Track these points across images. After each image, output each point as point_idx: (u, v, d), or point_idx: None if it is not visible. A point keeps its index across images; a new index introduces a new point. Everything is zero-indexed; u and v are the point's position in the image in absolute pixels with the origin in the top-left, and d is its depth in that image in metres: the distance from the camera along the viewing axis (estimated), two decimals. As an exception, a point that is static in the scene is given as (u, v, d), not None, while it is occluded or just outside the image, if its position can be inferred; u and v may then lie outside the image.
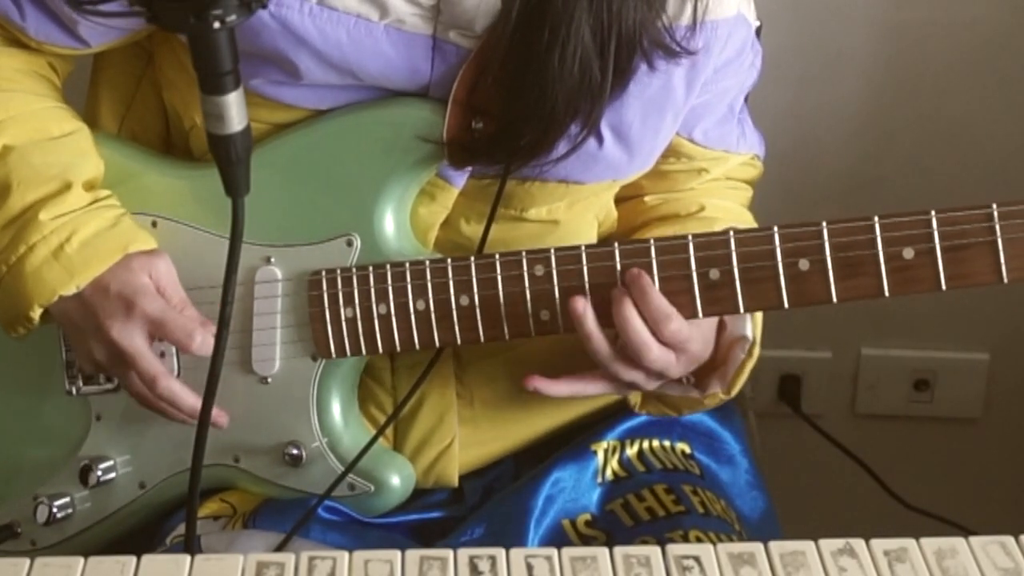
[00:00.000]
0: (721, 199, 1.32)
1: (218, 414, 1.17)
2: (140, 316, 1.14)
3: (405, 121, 1.15)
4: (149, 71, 1.26)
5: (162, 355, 1.18)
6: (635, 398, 1.24)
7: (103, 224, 1.16)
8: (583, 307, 1.11)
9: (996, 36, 1.77)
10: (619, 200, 1.31)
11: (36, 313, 1.15)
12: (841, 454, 1.91)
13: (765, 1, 1.24)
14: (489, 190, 1.16)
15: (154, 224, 1.21)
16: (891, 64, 1.79)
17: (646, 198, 1.30)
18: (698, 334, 1.14)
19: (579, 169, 1.17)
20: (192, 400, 1.15)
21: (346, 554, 0.90)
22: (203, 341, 1.14)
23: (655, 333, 1.11)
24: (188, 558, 0.90)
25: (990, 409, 1.98)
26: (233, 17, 0.87)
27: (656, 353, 1.11)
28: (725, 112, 1.28)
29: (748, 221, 1.33)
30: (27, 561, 0.89)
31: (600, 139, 1.16)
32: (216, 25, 0.87)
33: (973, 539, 0.91)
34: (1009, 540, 0.91)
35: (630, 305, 1.10)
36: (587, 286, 1.12)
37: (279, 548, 1.14)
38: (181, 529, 1.18)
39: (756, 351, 1.20)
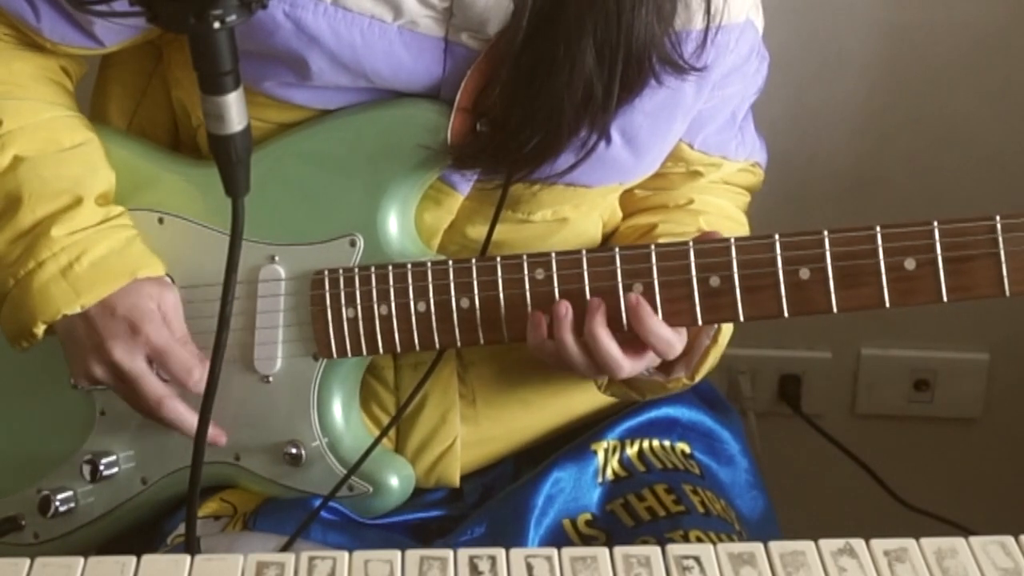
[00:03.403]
0: (714, 196, 1.32)
1: (217, 433, 1.18)
2: (144, 342, 1.16)
3: (410, 122, 1.15)
4: (160, 68, 1.27)
5: None
6: (600, 380, 1.25)
7: (114, 246, 1.17)
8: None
9: (996, 36, 1.77)
10: None
11: (40, 330, 1.16)
12: (841, 454, 1.91)
13: (765, 2, 1.24)
14: (495, 195, 1.16)
15: (160, 221, 1.21)
16: (891, 64, 1.79)
17: (637, 191, 1.30)
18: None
19: (586, 172, 1.17)
20: (195, 423, 1.15)
21: (346, 554, 0.90)
22: (201, 378, 1.15)
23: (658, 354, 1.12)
24: (188, 558, 0.90)
25: (990, 409, 1.98)
26: (233, 17, 0.87)
27: (628, 369, 1.12)
28: (727, 119, 1.28)
29: (740, 221, 1.33)
30: (27, 561, 0.89)
31: (608, 142, 1.16)
32: (216, 25, 0.87)
33: (973, 539, 0.91)
34: (1009, 540, 0.91)
35: (603, 325, 1.10)
36: (587, 290, 1.12)
37: (282, 551, 1.14)
38: (182, 529, 1.18)
39: (721, 338, 1.19)
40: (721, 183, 1.32)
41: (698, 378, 1.21)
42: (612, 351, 1.11)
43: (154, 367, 1.17)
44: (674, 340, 1.12)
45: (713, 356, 1.20)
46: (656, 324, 1.10)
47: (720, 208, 1.31)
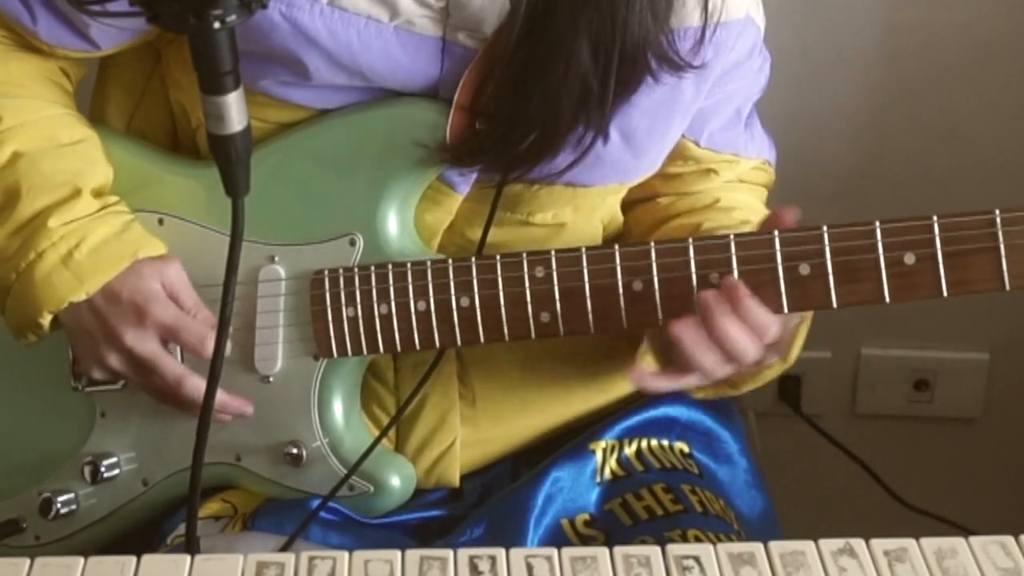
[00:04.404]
0: (737, 193, 1.31)
1: (242, 403, 1.18)
2: (153, 323, 1.15)
3: (409, 121, 1.16)
4: (158, 69, 1.27)
5: None
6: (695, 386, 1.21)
7: (112, 230, 1.17)
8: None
9: (996, 36, 1.77)
10: (633, 203, 1.31)
11: (46, 320, 1.16)
12: (841, 454, 1.91)
13: (766, 1, 1.25)
14: (494, 195, 1.16)
15: (160, 222, 1.21)
16: (891, 64, 1.79)
17: (660, 199, 1.30)
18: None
19: (586, 171, 1.17)
20: (219, 395, 1.15)
21: (346, 554, 0.90)
22: None
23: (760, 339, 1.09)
24: (188, 558, 0.90)
25: (990, 409, 1.98)
26: (233, 17, 0.87)
27: (755, 354, 1.10)
28: (732, 116, 1.27)
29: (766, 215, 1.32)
30: (27, 561, 0.89)
31: (607, 141, 1.16)
32: (216, 25, 0.87)
33: (973, 539, 0.91)
34: (1009, 540, 0.91)
35: (731, 316, 1.08)
36: (587, 288, 1.12)
37: (282, 550, 1.14)
38: (182, 529, 1.18)
39: (807, 314, 1.18)
40: (738, 182, 1.32)
41: (791, 358, 1.19)
42: (746, 343, 1.08)
43: (170, 347, 1.17)
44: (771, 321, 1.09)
45: (802, 334, 1.18)
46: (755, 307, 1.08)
47: (747, 203, 1.31)
